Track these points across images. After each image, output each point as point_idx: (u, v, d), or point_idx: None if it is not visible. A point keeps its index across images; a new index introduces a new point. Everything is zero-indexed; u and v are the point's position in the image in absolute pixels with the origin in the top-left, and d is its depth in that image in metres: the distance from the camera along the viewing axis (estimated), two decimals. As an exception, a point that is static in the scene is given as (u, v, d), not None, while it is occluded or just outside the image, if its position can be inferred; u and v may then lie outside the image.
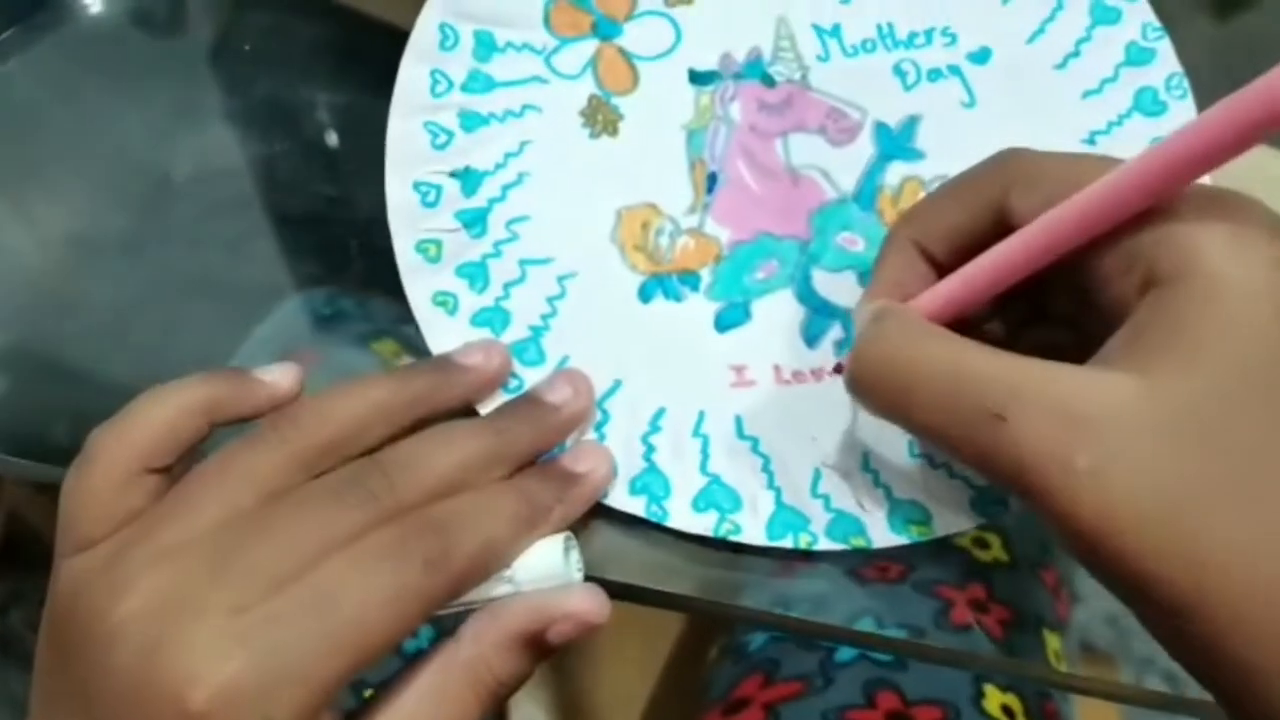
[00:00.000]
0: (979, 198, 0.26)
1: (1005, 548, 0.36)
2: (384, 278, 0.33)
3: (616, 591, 0.27)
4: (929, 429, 0.23)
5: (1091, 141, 0.33)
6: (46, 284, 0.35)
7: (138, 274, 0.35)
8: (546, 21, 0.34)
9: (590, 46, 0.34)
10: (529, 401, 0.29)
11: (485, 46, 0.33)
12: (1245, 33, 0.37)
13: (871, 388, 0.24)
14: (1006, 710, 0.39)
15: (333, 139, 0.36)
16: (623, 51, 0.34)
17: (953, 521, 0.29)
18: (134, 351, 0.34)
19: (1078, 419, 0.21)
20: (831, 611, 0.36)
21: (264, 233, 0.36)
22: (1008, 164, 0.26)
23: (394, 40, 0.33)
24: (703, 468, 0.30)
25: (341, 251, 0.35)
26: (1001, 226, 0.25)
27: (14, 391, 0.34)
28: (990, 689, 0.39)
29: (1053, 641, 0.39)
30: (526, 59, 0.34)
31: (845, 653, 0.41)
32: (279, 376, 0.27)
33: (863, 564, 0.30)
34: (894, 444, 0.30)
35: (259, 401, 0.27)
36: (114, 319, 0.35)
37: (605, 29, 0.34)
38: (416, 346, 0.31)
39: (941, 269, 0.27)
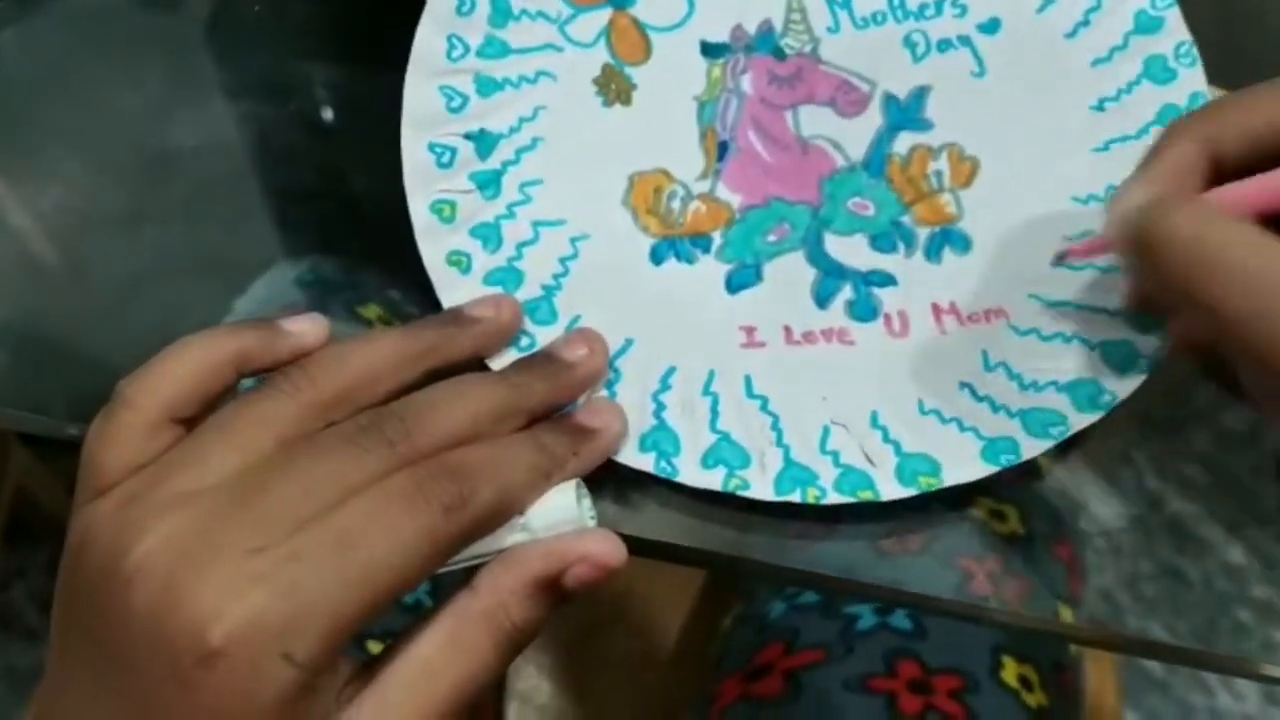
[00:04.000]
0: None
1: (1022, 520, 0.35)
2: (380, 249, 0.34)
3: (631, 547, 0.27)
4: (1227, 313, 0.23)
5: (1100, 108, 0.33)
6: (43, 258, 0.35)
7: (134, 248, 0.35)
8: (561, -8, 0.34)
9: (604, 15, 0.34)
10: (545, 357, 0.29)
11: (501, 13, 0.34)
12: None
13: (1170, 258, 0.24)
14: (1023, 680, 0.38)
15: (329, 113, 0.37)
16: (636, 21, 0.34)
17: (962, 472, 0.29)
18: (131, 326, 0.34)
19: None
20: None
21: (260, 207, 0.36)
22: None
23: (391, 14, 0.33)
24: (712, 425, 0.30)
25: (338, 225, 0.35)
26: None
27: (11, 367, 0.34)
28: (1008, 659, 0.39)
29: (1066, 614, 0.39)
30: (541, 26, 0.34)
31: (866, 621, 0.41)
32: (307, 327, 0.27)
33: (884, 535, 0.30)
34: (903, 401, 0.30)
35: (285, 353, 0.27)
36: (110, 293, 0.35)
37: None
38: (403, 311, 0.31)
39: (1224, 173, 0.26)
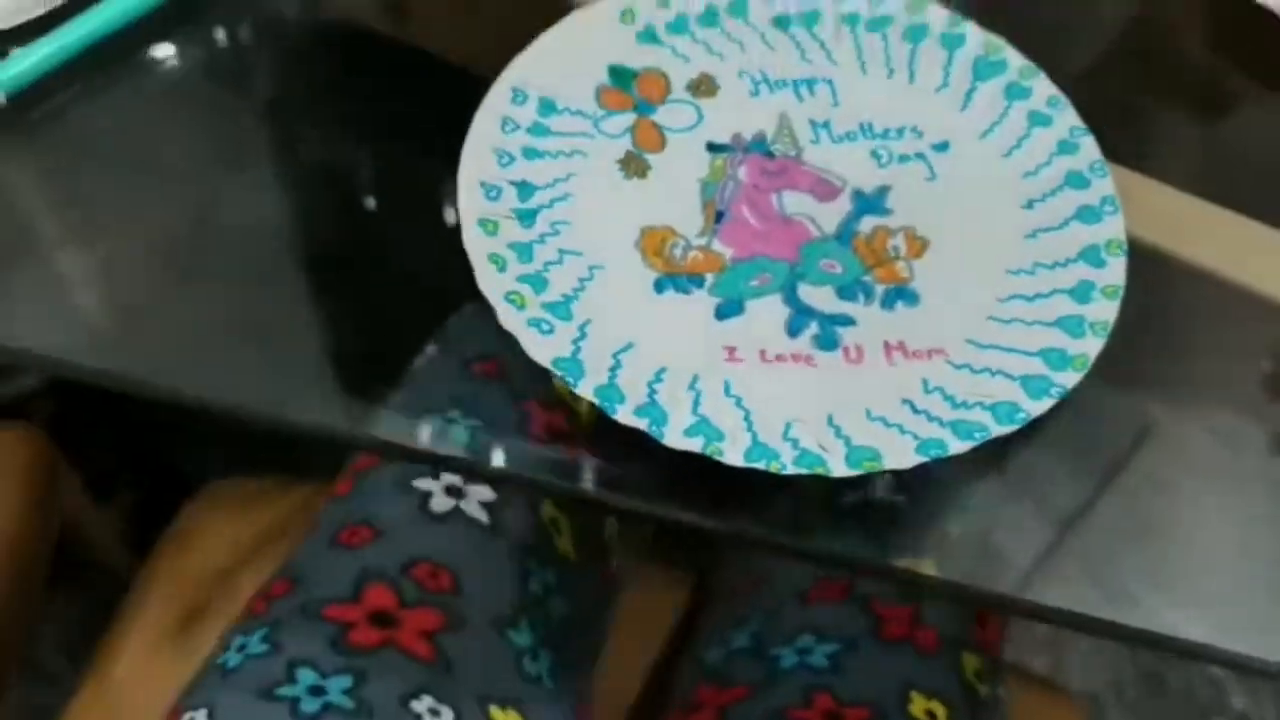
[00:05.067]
0: None
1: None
2: (420, 324, 0.39)
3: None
4: None
5: (1030, 206, 0.41)
6: (89, 316, 0.39)
7: (179, 312, 0.39)
8: (597, 97, 0.43)
9: (630, 118, 0.43)
10: None
11: (547, 108, 0.42)
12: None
13: None
14: (930, 714, 0.41)
15: (372, 197, 0.44)
16: (655, 124, 0.43)
17: (898, 460, 0.34)
18: (172, 389, 0.37)
19: None
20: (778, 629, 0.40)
21: (303, 279, 0.41)
22: None
23: (438, 108, 0.41)
24: (694, 409, 0.35)
25: (379, 303, 0.40)
26: None
27: (54, 422, 0.40)
28: (916, 695, 0.42)
29: (971, 662, 0.42)
30: (579, 121, 0.42)
31: (788, 660, 0.44)
32: None
33: (809, 585, 0.35)
34: (854, 409, 0.36)
35: None
36: (154, 353, 0.38)
37: (643, 108, 0.43)
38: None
39: None
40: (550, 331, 0.36)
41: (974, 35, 0.44)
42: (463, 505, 0.46)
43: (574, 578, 0.48)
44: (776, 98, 0.44)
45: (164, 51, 0.44)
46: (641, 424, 0.34)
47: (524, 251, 0.38)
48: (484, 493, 0.47)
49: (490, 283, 0.37)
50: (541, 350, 0.36)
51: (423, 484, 0.47)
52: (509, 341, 0.36)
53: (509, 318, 0.36)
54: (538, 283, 0.38)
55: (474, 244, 0.38)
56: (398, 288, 0.41)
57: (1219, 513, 0.38)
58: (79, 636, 0.65)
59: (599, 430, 0.35)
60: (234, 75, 0.45)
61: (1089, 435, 0.39)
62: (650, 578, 0.60)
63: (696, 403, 0.36)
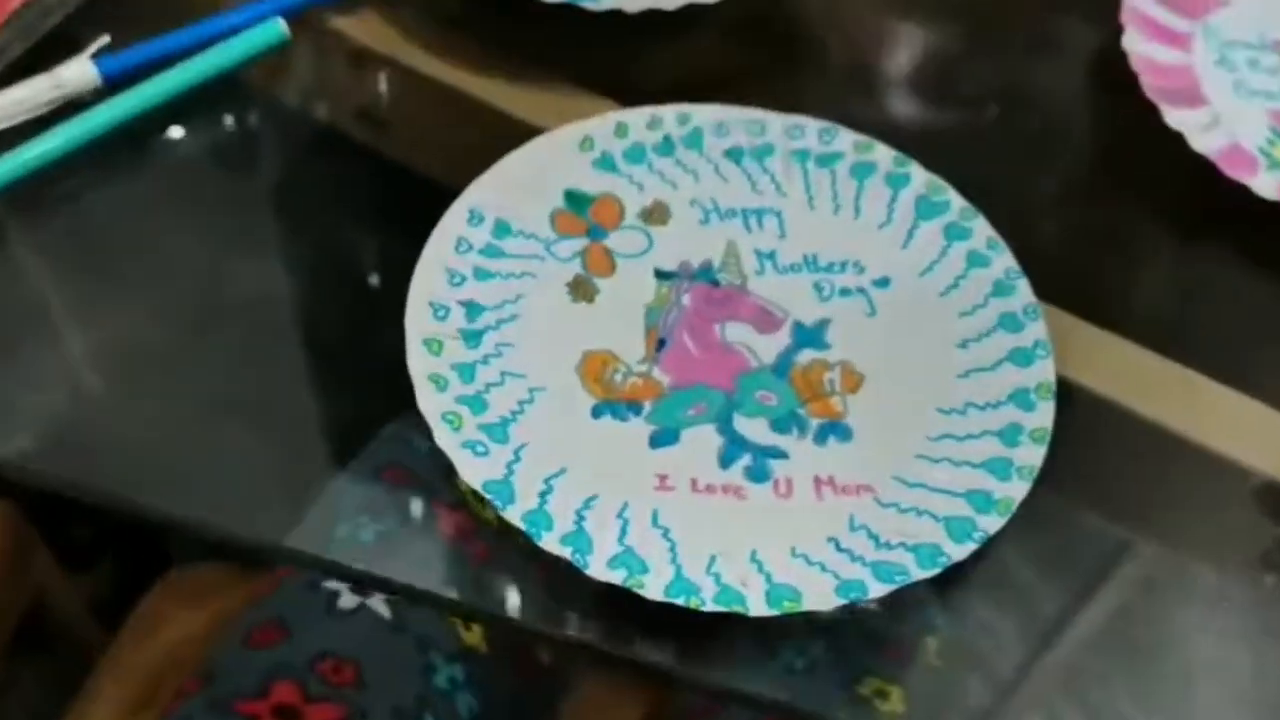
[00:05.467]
0: None
1: (905, 700, 0.40)
2: (346, 443, 0.41)
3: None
4: None
5: (964, 346, 0.42)
6: (88, 393, 0.40)
7: (179, 393, 0.40)
8: (551, 221, 0.44)
9: (582, 243, 0.44)
10: None
11: (502, 229, 0.44)
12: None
13: None
14: None
15: (374, 280, 0.46)
16: (606, 249, 0.44)
17: (818, 601, 0.35)
18: (164, 469, 0.39)
19: None
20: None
21: (301, 361, 0.44)
22: None
23: (433, 201, 0.43)
24: (620, 539, 0.36)
25: (369, 385, 0.42)
26: None
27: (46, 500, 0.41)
28: None
29: None
30: (532, 243, 0.44)
31: None
32: None
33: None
34: (778, 545, 0.36)
35: None
36: (151, 434, 0.39)
37: (595, 233, 0.45)
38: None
39: None
40: (485, 454, 0.37)
41: (918, 175, 0.46)
42: (368, 602, 0.47)
43: (486, 671, 0.49)
44: (726, 226, 0.45)
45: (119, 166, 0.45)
46: (565, 553, 0.35)
47: (466, 372, 0.39)
48: None
49: (429, 403, 0.38)
50: (474, 472, 0.36)
51: (331, 584, 0.48)
52: (438, 460, 0.36)
53: (444, 438, 0.37)
54: (477, 404, 0.39)
55: (416, 363, 0.39)
56: (333, 400, 0.42)
57: (1200, 631, 0.39)
58: (42, 699, 0.64)
59: (525, 552, 0.35)
60: (184, 185, 0.46)
61: (1070, 551, 0.39)
62: (616, 671, 0.60)
63: (624, 531, 0.36)
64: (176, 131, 0.46)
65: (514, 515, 0.36)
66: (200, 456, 0.39)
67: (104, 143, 0.44)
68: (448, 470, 0.36)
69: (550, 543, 0.35)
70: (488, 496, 0.36)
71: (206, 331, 0.42)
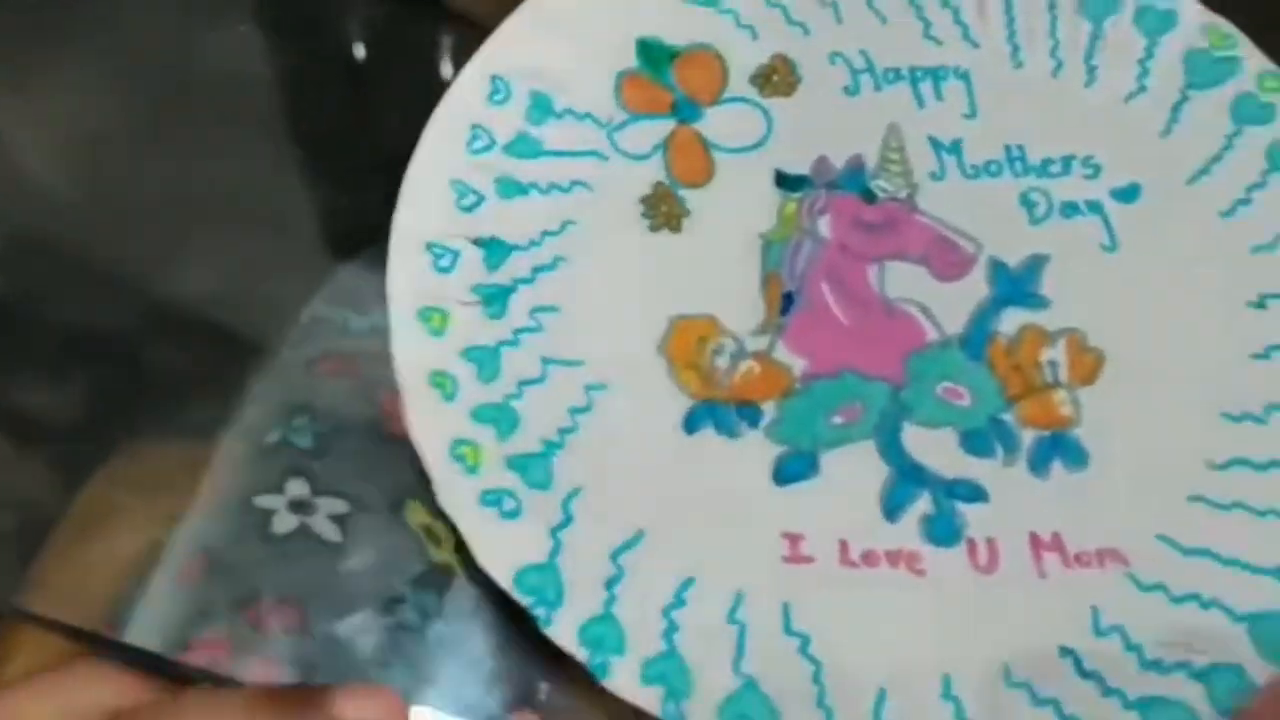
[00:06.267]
0: None
1: None
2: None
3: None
4: None
5: (1261, 305, 0.27)
6: (50, 181, 0.31)
7: (146, 179, 0.30)
8: (617, 93, 0.29)
9: (665, 127, 0.29)
10: (311, 704, 0.22)
11: (541, 108, 0.28)
12: None
13: None
14: None
15: (361, 51, 0.32)
16: (701, 138, 0.29)
17: None
18: (133, 261, 0.29)
19: None
20: None
21: (281, 148, 0.31)
22: None
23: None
24: (736, 665, 0.23)
25: (361, 180, 0.30)
26: None
27: (6, 292, 0.30)
28: None
29: None
30: (587, 130, 0.28)
31: None
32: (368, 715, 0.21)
33: None
34: (984, 664, 0.23)
35: None
36: (117, 223, 0.30)
37: (685, 111, 0.29)
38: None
39: None
40: (516, 513, 0.24)
41: (1190, 14, 0.29)
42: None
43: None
44: (885, 98, 0.29)
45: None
46: (652, 698, 0.22)
47: (487, 361, 0.25)
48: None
49: (429, 424, 0.24)
50: (500, 554, 0.23)
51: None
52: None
53: (453, 491, 0.23)
54: (505, 419, 0.25)
55: (407, 353, 0.25)
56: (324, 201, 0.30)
57: None
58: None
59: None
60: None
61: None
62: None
63: (740, 650, 0.23)
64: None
65: (565, 630, 0.22)
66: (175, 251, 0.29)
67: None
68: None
69: (627, 681, 0.22)
70: (523, 602, 0.22)
71: (182, 113, 0.32)
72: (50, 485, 0.32)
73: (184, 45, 0.33)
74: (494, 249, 0.26)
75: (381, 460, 0.27)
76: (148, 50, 0.33)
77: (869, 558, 0.24)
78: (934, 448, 0.25)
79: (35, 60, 0.33)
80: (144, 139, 0.31)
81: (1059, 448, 0.26)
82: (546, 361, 0.26)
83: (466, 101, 0.28)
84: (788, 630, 0.23)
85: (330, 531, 0.38)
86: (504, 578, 0.23)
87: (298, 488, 0.38)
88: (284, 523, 0.38)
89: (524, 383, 0.25)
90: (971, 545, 0.24)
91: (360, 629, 0.32)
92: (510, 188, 0.27)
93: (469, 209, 0.27)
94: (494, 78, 0.28)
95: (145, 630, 0.39)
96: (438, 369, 0.25)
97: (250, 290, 0.29)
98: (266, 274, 0.29)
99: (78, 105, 0.32)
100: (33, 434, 0.31)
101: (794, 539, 0.24)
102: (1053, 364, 0.26)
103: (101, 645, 0.27)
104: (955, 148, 0.29)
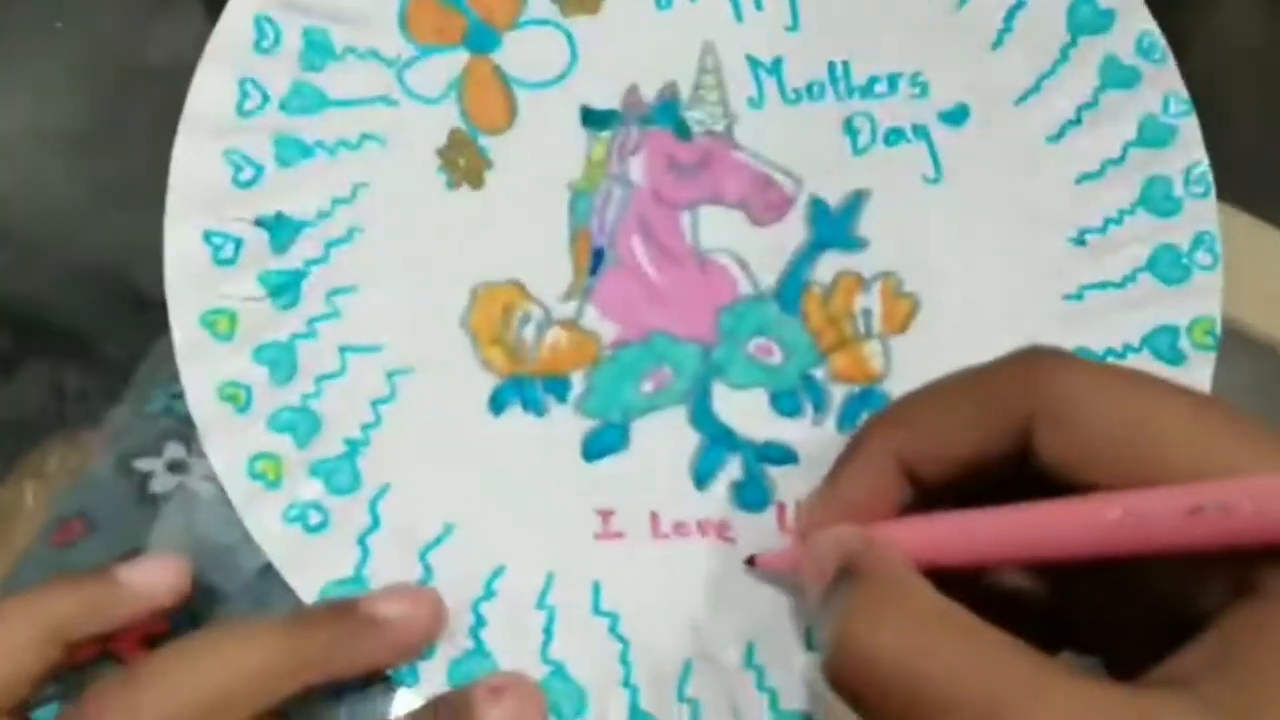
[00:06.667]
0: (992, 415, 0.19)
1: None
2: None
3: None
4: None
5: (1081, 241, 0.26)
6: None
7: (97, 173, 0.29)
8: (402, 22, 0.26)
9: (457, 60, 0.26)
10: (346, 610, 0.22)
11: (317, 50, 0.25)
12: None
13: (867, 693, 0.17)
14: None
15: None
16: (499, 71, 0.26)
17: None
18: (82, 255, 0.29)
19: None
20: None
21: None
22: (1033, 382, 0.19)
23: None
24: (543, 652, 0.23)
25: None
26: (1023, 455, 0.19)
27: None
28: None
29: None
30: (372, 70, 0.26)
31: None
32: (156, 578, 0.22)
33: None
34: (787, 633, 0.24)
35: (123, 617, 0.21)
36: (65, 217, 0.29)
37: (479, 38, 0.26)
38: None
39: (926, 492, 0.20)
40: (323, 526, 0.23)
41: (1030, -96, 0.27)
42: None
43: None
44: (701, 11, 0.27)
45: None
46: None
47: (281, 360, 0.24)
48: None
49: (224, 442, 0.23)
50: (309, 571, 0.23)
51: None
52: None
53: (256, 511, 0.23)
54: (304, 423, 0.24)
55: (194, 366, 0.24)
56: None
57: None
58: None
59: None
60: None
61: None
62: None
63: (548, 635, 0.24)
64: None
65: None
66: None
67: None
68: None
69: (434, 689, 0.23)
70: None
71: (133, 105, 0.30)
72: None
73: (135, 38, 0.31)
74: (280, 228, 0.25)
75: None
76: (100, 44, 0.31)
77: (680, 528, 0.25)
78: (745, 410, 0.25)
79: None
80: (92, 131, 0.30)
81: (868, 404, 0.26)
82: (345, 350, 0.25)
83: (229, 52, 0.25)
84: (596, 610, 0.24)
85: (206, 490, 0.39)
86: (309, 597, 0.23)
87: (175, 450, 0.38)
88: (162, 483, 0.38)
89: (322, 378, 0.24)
90: (780, 509, 0.25)
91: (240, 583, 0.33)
92: (292, 149, 0.25)
93: (248, 184, 0.25)
94: (258, 18, 0.25)
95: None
96: (228, 379, 0.24)
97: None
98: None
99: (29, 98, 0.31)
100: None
101: (606, 515, 0.25)
102: (866, 313, 0.26)
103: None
104: (775, 67, 0.27)
